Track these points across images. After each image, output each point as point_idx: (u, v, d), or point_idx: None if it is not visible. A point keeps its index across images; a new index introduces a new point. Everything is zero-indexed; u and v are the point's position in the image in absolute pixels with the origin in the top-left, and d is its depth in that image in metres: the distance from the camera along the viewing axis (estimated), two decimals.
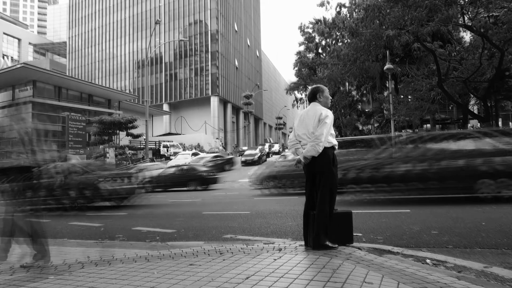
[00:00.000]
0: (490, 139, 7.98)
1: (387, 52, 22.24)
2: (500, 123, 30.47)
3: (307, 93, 4.15)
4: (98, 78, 77.47)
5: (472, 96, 24.50)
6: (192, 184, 16.20)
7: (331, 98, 4.20)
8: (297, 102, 48.65)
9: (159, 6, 71.58)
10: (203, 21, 67.77)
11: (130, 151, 33.84)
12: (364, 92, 42.58)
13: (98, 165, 12.39)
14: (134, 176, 11.04)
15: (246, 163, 29.79)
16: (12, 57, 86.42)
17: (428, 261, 3.36)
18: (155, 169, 18.98)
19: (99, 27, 79.55)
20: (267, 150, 38.91)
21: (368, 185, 8.18)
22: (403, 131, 28.09)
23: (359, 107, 46.42)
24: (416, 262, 3.31)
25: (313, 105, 3.92)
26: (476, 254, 3.67)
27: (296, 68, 47.40)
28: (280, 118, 79.94)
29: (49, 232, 6.53)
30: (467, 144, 8.12)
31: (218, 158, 26.37)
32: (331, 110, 3.96)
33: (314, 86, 4.10)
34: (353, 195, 8.26)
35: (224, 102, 70.36)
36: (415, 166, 7.77)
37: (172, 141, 44.08)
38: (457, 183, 7.40)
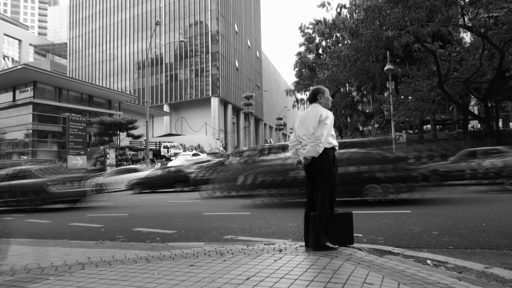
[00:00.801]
0: (374, 148, 9.25)
1: (388, 52, 22.25)
2: (500, 124, 30.47)
3: (308, 93, 4.15)
4: (99, 79, 77.56)
5: (472, 96, 24.51)
6: (179, 185, 16.62)
7: (331, 99, 4.22)
8: (297, 103, 48.64)
9: (160, 7, 71.67)
10: (204, 22, 67.84)
11: (130, 152, 33.88)
12: (365, 92, 42.58)
13: (54, 169, 12.91)
14: (84, 180, 11.86)
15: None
16: (12, 58, 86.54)
17: (428, 262, 3.35)
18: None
19: (99, 28, 79.65)
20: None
21: (273, 189, 8.82)
22: (403, 131, 28.07)
23: (359, 107, 46.42)
24: (417, 263, 3.31)
25: (314, 106, 3.93)
26: (476, 255, 3.67)
27: (296, 69, 47.41)
28: (280, 119, 79.94)
29: (50, 233, 6.55)
30: (357, 153, 8.87)
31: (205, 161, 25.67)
32: (331, 111, 3.96)
33: (314, 87, 4.11)
34: (263, 198, 9.03)
35: (224, 103, 70.40)
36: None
37: (173, 142, 44.12)
38: (347, 188, 7.91)
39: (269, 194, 9.07)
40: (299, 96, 48.46)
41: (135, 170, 21.47)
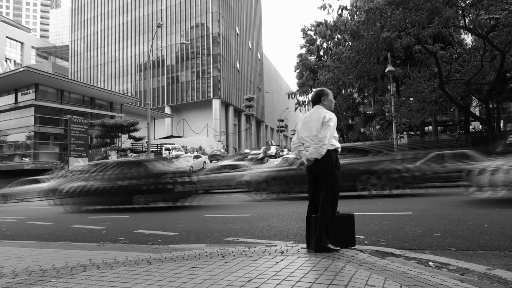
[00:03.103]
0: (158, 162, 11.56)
1: (389, 54, 22.24)
2: (502, 125, 30.41)
3: (311, 95, 4.16)
4: (100, 81, 77.77)
5: (473, 98, 24.46)
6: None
7: (334, 101, 4.23)
8: (299, 105, 48.61)
9: (161, 9, 71.86)
10: (205, 24, 68.00)
11: (132, 153, 33.92)
12: (366, 94, 42.58)
13: None
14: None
15: (252, 161, 30.13)
16: (14, 61, 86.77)
17: (430, 263, 3.35)
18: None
19: (101, 31, 79.90)
20: (262, 155, 37.60)
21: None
22: (404, 133, 28.01)
23: (361, 109, 46.41)
24: (419, 264, 3.30)
25: (317, 108, 3.94)
26: (478, 257, 3.66)
27: (297, 71, 47.44)
28: (281, 120, 79.98)
29: (51, 235, 6.56)
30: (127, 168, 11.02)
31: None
32: (334, 113, 3.97)
33: (318, 89, 4.12)
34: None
35: (225, 105, 70.47)
36: (97, 184, 10.87)
37: (174, 144, 44.11)
38: (117, 197, 10.51)
39: None
40: (300, 98, 48.44)
41: (37, 181, 21.16)
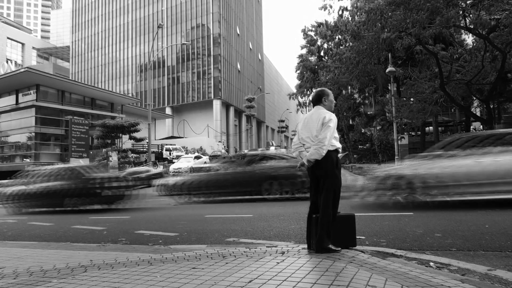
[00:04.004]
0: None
1: (389, 55, 22.26)
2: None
3: (312, 96, 4.15)
4: (101, 82, 77.85)
5: (474, 98, 24.45)
6: None
7: (335, 102, 4.23)
8: (300, 106, 48.57)
9: (162, 10, 71.94)
10: (205, 25, 68.05)
11: (132, 154, 33.91)
12: (367, 95, 42.55)
13: None
14: None
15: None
16: (15, 62, 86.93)
17: (431, 264, 3.34)
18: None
19: (102, 31, 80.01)
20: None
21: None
22: (405, 133, 28.01)
23: (361, 109, 46.37)
24: (420, 265, 3.30)
25: (317, 108, 3.94)
26: (479, 257, 3.65)
27: (298, 71, 47.40)
28: (282, 121, 79.95)
29: (52, 236, 6.56)
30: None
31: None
32: (334, 113, 3.97)
33: (319, 89, 4.11)
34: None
35: (226, 106, 70.49)
36: (35, 188, 11.51)
37: (175, 145, 44.12)
38: (51, 200, 11.26)
39: None
40: (301, 99, 48.40)
41: None
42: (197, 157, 30.81)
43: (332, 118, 3.75)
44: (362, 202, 8.07)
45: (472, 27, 17.10)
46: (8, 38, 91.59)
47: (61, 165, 14.40)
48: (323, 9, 18.89)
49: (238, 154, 14.22)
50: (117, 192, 11.09)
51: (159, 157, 39.17)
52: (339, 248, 3.68)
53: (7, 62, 69.31)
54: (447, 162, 7.09)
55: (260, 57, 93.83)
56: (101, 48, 79.85)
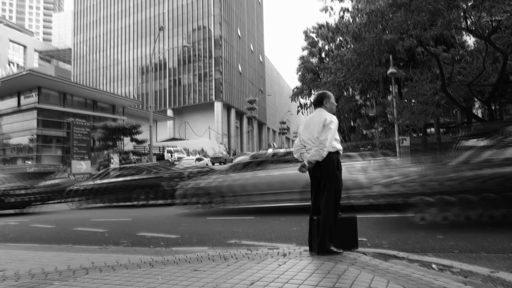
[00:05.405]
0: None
1: (391, 56, 22.23)
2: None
3: (313, 98, 4.18)
4: (103, 84, 78.03)
5: (476, 100, 24.39)
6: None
7: (336, 104, 4.24)
8: (301, 108, 48.55)
9: (163, 12, 72.13)
10: (207, 27, 68.19)
11: (134, 156, 33.97)
12: (368, 96, 42.51)
13: None
14: None
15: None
16: (17, 64, 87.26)
17: (434, 266, 3.33)
18: None
19: (103, 34, 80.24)
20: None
21: None
22: (406, 135, 27.98)
23: (363, 111, 46.31)
24: (422, 267, 3.29)
25: (319, 110, 3.96)
26: (482, 259, 3.64)
27: (299, 73, 47.38)
28: (283, 123, 79.98)
29: (54, 238, 6.56)
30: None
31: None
32: (336, 115, 3.98)
33: (320, 91, 4.13)
34: None
35: (227, 107, 70.53)
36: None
37: (176, 147, 44.18)
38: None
39: None
40: (303, 101, 48.36)
41: None
42: (198, 159, 30.83)
43: (333, 120, 3.77)
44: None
45: (473, 28, 17.08)
46: (10, 40, 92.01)
47: None
48: (324, 11, 18.91)
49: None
50: (19, 199, 12.03)
51: (161, 159, 39.22)
52: (341, 250, 3.67)
53: (9, 64, 69.52)
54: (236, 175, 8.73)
55: (261, 59, 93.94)
56: (103, 50, 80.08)
